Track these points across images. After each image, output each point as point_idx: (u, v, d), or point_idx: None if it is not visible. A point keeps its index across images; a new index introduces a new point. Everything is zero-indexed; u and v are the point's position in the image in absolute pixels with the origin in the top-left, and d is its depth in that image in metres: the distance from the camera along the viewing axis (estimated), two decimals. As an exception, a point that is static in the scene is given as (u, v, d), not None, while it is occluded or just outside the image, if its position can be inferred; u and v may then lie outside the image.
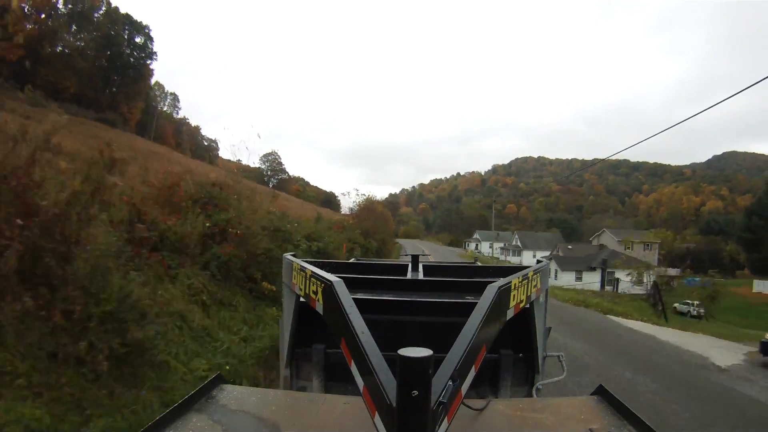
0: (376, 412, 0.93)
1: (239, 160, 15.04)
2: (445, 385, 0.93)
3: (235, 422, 1.38)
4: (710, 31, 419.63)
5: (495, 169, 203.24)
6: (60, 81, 41.00)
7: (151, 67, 50.89)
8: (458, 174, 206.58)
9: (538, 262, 2.23)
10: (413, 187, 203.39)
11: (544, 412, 1.49)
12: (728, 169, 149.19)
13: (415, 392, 0.82)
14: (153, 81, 55.49)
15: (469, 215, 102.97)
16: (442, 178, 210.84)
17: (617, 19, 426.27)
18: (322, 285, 1.51)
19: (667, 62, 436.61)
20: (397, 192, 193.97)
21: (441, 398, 0.89)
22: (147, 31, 49.43)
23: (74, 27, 44.32)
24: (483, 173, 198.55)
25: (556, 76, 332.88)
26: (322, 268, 1.71)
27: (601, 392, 1.59)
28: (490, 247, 61.91)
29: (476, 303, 1.31)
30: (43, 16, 40.98)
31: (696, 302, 21.18)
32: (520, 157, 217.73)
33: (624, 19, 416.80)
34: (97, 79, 44.47)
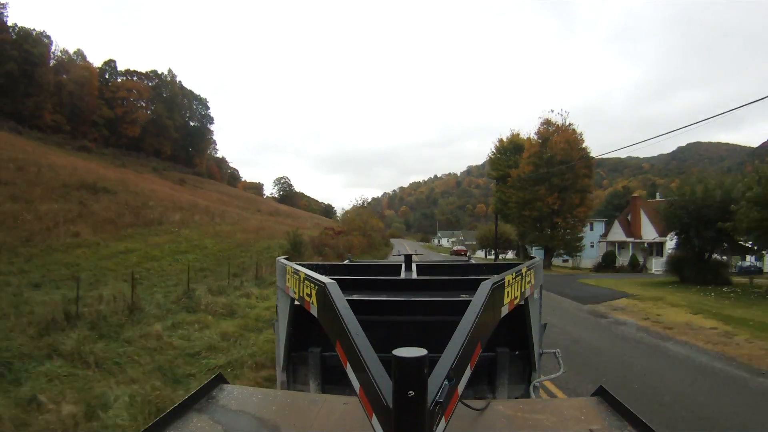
0: (373, 414, 0.93)
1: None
2: (441, 385, 0.92)
3: (236, 422, 1.37)
4: (663, 40, 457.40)
5: (470, 170, 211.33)
6: (161, 146, 62.81)
7: (210, 128, 73.80)
8: (435, 176, 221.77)
9: (530, 258, 2.30)
10: (394, 190, 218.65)
11: (544, 413, 1.47)
12: (691, 159, 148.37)
13: (411, 392, 0.82)
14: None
15: (439, 219, 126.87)
16: (421, 180, 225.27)
17: (577, 29, 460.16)
18: (316, 287, 1.51)
19: (625, 66, 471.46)
20: (380, 195, 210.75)
21: (437, 398, 0.89)
22: (206, 102, 72.24)
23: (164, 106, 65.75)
24: (459, 174, 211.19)
25: (528, 80, 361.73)
26: (315, 271, 1.75)
27: (601, 393, 1.57)
28: (447, 241, 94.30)
29: (470, 301, 1.31)
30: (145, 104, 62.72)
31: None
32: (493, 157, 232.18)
33: (583, 30, 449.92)
34: (180, 142, 66.45)
